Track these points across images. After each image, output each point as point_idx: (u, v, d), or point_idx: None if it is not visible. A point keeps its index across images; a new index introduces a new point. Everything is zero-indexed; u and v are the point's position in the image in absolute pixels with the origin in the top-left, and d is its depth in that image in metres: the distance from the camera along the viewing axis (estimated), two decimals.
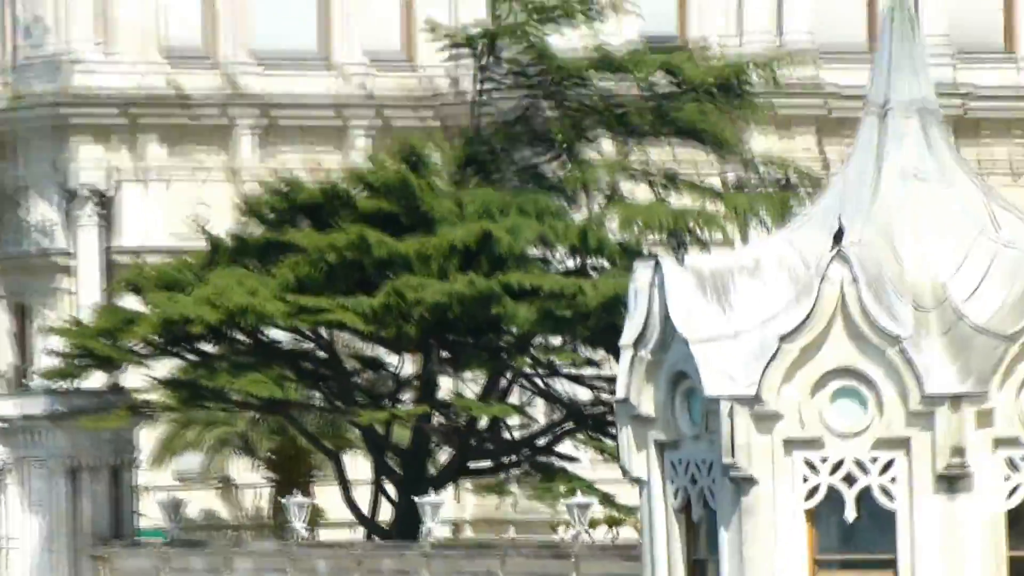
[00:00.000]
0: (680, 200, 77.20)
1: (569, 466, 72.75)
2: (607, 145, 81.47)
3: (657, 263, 57.53)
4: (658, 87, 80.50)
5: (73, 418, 74.70)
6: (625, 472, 59.39)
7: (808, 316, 54.71)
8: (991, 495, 55.39)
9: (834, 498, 55.74)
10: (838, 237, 55.97)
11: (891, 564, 56.61)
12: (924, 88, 59.42)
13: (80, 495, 76.93)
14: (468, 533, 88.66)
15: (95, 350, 77.70)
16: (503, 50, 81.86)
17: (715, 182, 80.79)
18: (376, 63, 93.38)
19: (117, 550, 73.85)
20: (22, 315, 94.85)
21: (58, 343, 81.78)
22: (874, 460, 55.95)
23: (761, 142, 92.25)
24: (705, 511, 55.88)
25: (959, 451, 55.45)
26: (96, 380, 78.04)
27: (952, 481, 56.33)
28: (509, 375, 76.05)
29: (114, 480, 76.89)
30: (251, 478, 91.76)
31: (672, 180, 79.49)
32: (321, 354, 79.13)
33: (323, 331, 77.87)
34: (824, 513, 56.86)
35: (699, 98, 78.79)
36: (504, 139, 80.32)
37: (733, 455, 54.55)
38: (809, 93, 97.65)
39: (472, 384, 79.68)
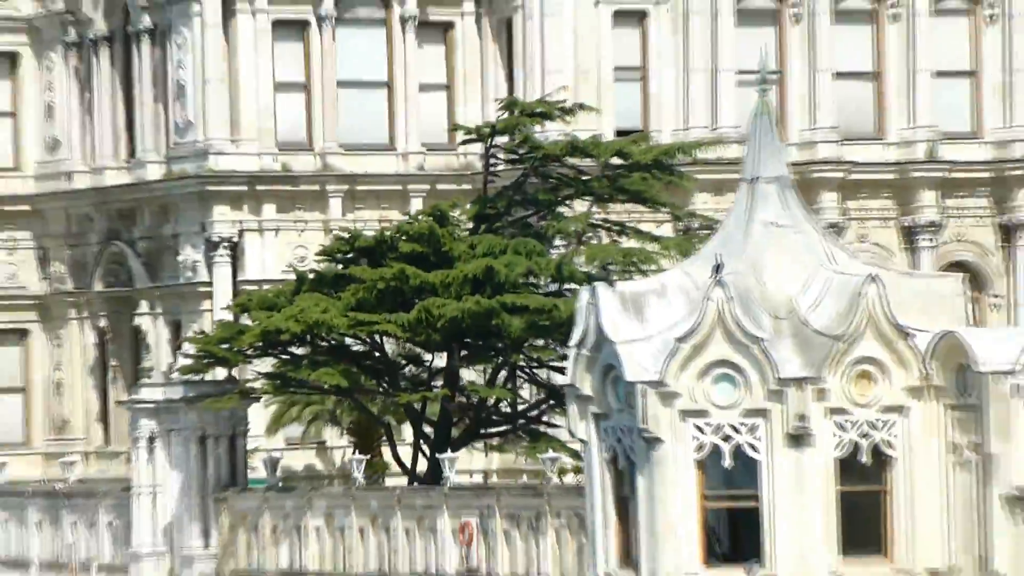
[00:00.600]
0: (629, 242, 78.12)
1: (550, 431, 73.30)
2: (578, 205, 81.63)
3: (593, 288, 60.15)
4: (613, 164, 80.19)
5: (201, 401, 75.74)
6: (572, 435, 61.77)
7: (697, 325, 56.64)
8: (825, 448, 56.80)
9: (716, 452, 57.77)
10: (718, 269, 58.14)
11: (756, 497, 58.54)
12: (781, 166, 60.74)
13: (207, 456, 77.48)
14: (494, 479, 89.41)
15: (216, 353, 79.57)
16: (504, 140, 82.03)
17: (664, 230, 79.57)
18: (427, 148, 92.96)
19: (232, 494, 74.61)
20: (176, 330, 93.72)
21: (191, 348, 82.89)
22: (743, 424, 57.77)
23: (703, 198, 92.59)
24: (627, 463, 57.71)
25: (802, 417, 56.57)
26: (218, 374, 78.58)
27: (798, 439, 56.65)
28: (507, 368, 76.97)
29: (231, 445, 77.74)
30: (338, 442, 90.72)
31: (622, 229, 79.97)
32: (376, 354, 79.03)
33: (376, 337, 77.97)
34: (709, 463, 58.47)
35: (643, 172, 78.96)
36: (505, 202, 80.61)
37: (646, 423, 56.85)
38: (735, 166, 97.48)
39: (481, 374, 79.11)
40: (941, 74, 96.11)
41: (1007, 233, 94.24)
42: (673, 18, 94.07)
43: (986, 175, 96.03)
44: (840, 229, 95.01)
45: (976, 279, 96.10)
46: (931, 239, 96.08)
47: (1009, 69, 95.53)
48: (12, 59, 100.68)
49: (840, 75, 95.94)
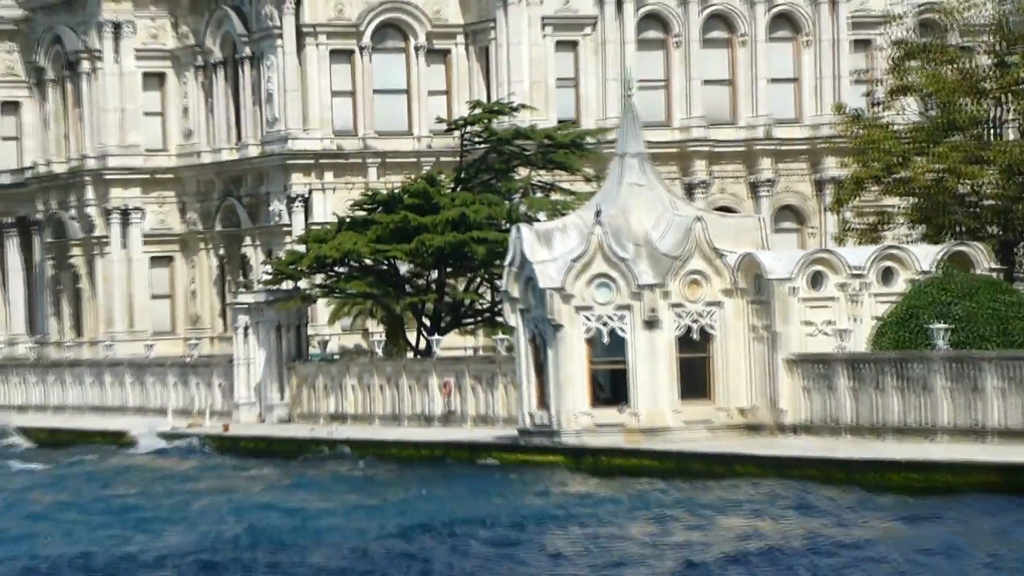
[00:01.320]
0: (556, 196, 78.02)
1: (500, 320, 72.03)
2: (522, 172, 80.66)
3: (518, 227, 63.91)
4: (545, 144, 79.61)
5: (276, 303, 77.25)
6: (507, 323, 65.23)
7: (585, 250, 60.56)
8: (668, 330, 60.33)
9: (598, 333, 60.62)
10: (598, 214, 59.89)
11: (624, 362, 61.32)
12: (640, 146, 63.31)
13: (281, 339, 78.11)
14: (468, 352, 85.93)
15: (285, 271, 79.63)
16: (474, 128, 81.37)
17: (580, 186, 78.64)
18: (433, 133, 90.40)
19: (298, 364, 76.79)
20: (269, 256, 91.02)
21: (270, 268, 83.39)
22: (616, 314, 61.15)
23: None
24: (541, 341, 61.52)
25: (653, 310, 60.15)
26: (286, 285, 78.61)
27: (651, 324, 60.57)
28: (477, 279, 76.87)
29: (297, 332, 78.99)
30: (376, 329, 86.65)
31: (552, 187, 79.50)
32: (391, 272, 77.95)
33: (390, 261, 76.92)
34: (594, 340, 60.96)
35: (565, 149, 78.97)
36: (474, 169, 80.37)
37: (552, 314, 60.69)
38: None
39: (459, 284, 78.77)
40: (774, 80, 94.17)
41: (819, 186, 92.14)
42: (595, 45, 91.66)
43: (805, 147, 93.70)
44: (707, 184, 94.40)
45: (799, 217, 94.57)
46: (768, 191, 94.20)
47: (819, 76, 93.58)
48: (161, 77, 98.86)
49: (707, 82, 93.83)
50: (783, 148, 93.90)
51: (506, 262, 63.39)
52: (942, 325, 54.88)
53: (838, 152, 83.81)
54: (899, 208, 73.01)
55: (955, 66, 71.09)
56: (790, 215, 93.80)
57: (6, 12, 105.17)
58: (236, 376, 79.55)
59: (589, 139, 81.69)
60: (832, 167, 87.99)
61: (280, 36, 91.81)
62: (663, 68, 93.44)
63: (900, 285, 60.05)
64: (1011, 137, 69.59)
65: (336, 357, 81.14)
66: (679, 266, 60.18)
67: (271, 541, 45.81)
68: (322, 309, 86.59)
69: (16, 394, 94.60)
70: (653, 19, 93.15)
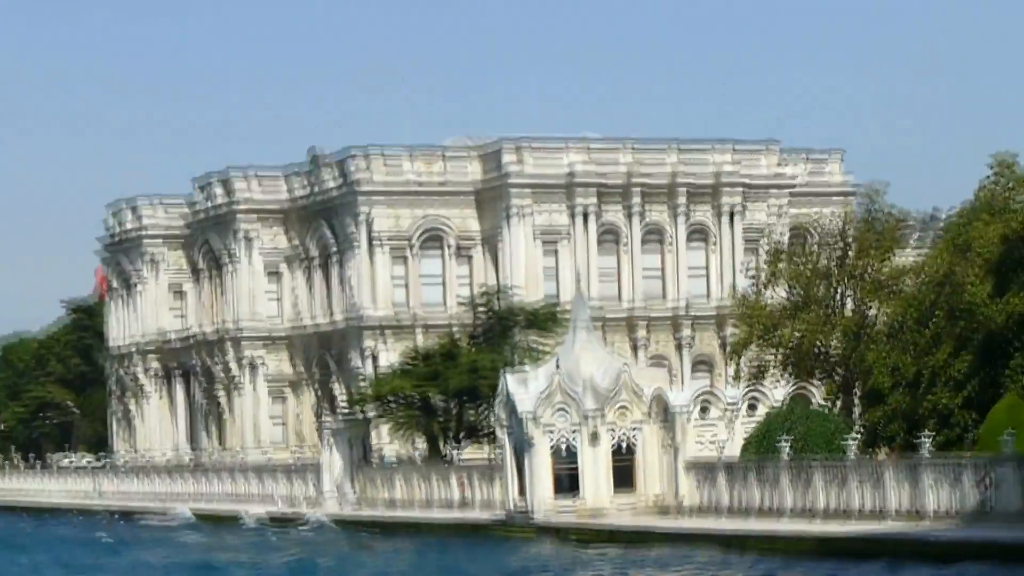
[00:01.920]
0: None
1: None
2: (517, 335, 77.25)
3: (504, 373, 61.56)
4: (529, 316, 77.42)
5: (350, 425, 76.95)
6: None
7: (548, 387, 58.48)
8: (606, 443, 58.55)
9: (558, 447, 58.80)
10: (557, 363, 59.28)
11: (576, 465, 58.92)
12: (587, 320, 61.76)
13: (353, 449, 75.99)
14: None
15: (356, 403, 78.98)
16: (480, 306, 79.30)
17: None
18: (462, 307, 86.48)
19: (364, 467, 75.37)
20: (348, 392, 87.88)
21: (346, 402, 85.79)
22: (571, 433, 58.86)
23: None
24: (519, 450, 59.46)
25: (595, 431, 58.35)
26: (359, 414, 78.44)
27: (594, 438, 58.47)
28: (484, 408, 71.29)
29: (363, 444, 76.81)
30: (420, 443, 79.34)
31: (534, 347, 75.60)
32: (427, 403, 74.78)
33: (428, 395, 74.24)
34: (556, 450, 58.35)
35: (543, 320, 76.75)
36: (483, 333, 78.11)
37: (527, 432, 58.60)
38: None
39: (474, 410, 74.33)
40: (691, 273, 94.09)
41: (723, 343, 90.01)
42: (569, 248, 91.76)
43: (712, 317, 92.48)
44: (647, 343, 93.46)
45: (709, 364, 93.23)
46: (688, 346, 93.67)
47: (721, 270, 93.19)
48: (277, 271, 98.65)
49: (645, 273, 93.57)
50: (697, 318, 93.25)
51: (497, 397, 61.89)
52: (787, 439, 54.04)
53: (734, 321, 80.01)
54: (774, 359, 70.01)
55: (810, 262, 70.05)
56: (703, 363, 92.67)
57: (177, 228, 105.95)
58: (324, 475, 77.54)
59: (558, 312, 79.10)
60: (730, 331, 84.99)
61: (357, 243, 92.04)
62: (615, 263, 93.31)
63: (761, 413, 59.47)
64: (848, 309, 68.16)
65: (394, 463, 78.61)
66: (612, 399, 58.91)
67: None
68: (384, 429, 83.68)
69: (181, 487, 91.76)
70: (608, 231, 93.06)
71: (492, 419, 75.41)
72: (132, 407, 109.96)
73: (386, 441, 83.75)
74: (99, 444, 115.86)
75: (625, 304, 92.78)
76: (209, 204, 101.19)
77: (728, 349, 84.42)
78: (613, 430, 59.11)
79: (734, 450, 58.38)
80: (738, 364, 75.50)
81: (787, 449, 53.66)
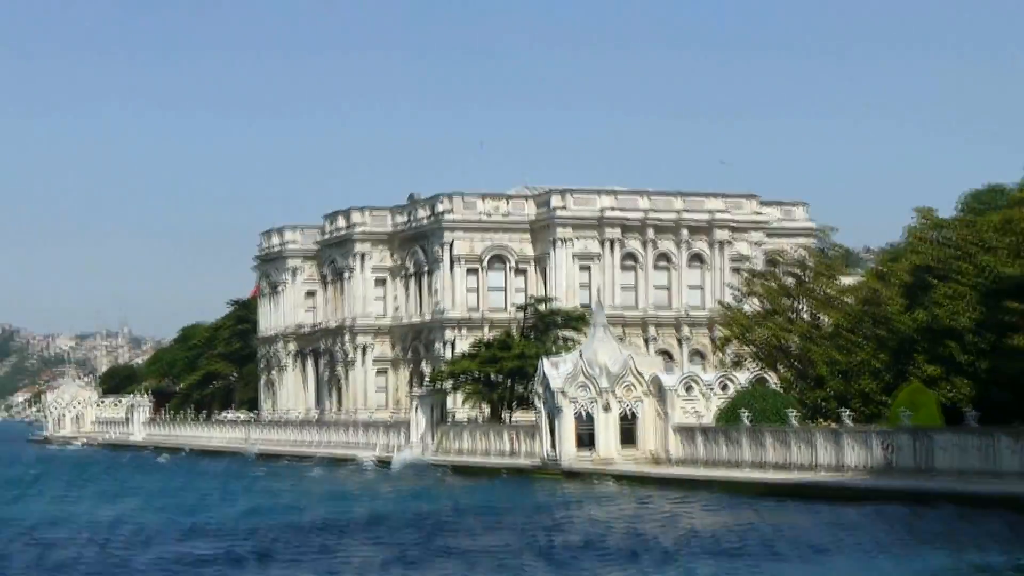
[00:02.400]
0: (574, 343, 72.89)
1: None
2: (555, 332, 76.55)
3: (542, 359, 60.93)
4: (564, 317, 77.39)
5: (432, 394, 75.80)
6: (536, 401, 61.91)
7: (574, 369, 56.59)
8: (615, 412, 59.06)
9: (580, 414, 58.22)
10: (580, 353, 58.77)
11: (592, 428, 58.15)
12: (603, 320, 60.85)
13: (433, 411, 74.71)
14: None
15: (436, 379, 78.52)
16: (528, 309, 79.10)
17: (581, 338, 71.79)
18: (517, 309, 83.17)
19: (441, 425, 73.48)
20: (433, 372, 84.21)
21: (428, 379, 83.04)
22: (590, 404, 58.48)
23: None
24: (552, 416, 59.00)
25: (607, 403, 58.75)
26: (438, 386, 78.00)
27: (606, 408, 58.82)
28: (529, 384, 67.78)
29: (442, 408, 76.06)
30: (485, 409, 79.04)
31: (570, 340, 74.47)
32: (490, 378, 74.58)
33: (489, 374, 73.96)
34: (578, 416, 58.33)
35: (575, 321, 76.23)
36: (530, 330, 77.55)
37: (557, 403, 57.93)
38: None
39: (523, 385, 72.41)
40: (690, 288, 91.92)
41: (712, 341, 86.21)
42: (600, 268, 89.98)
43: (705, 321, 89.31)
44: (656, 339, 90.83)
45: (702, 356, 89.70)
46: (687, 342, 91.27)
47: (713, 286, 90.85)
48: (383, 280, 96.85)
49: (656, 287, 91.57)
50: (694, 321, 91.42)
51: (536, 376, 62.15)
52: (747, 413, 54.76)
53: (719, 324, 79.37)
54: (749, 352, 69.15)
55: (777, 282, 69.77)
56: (698, 354, 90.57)
57: (311, 249, 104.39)
58: (412, 430, 77.36)
59: (586, 315, 77.29)
60: (717, 331, 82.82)
61: (442, 262, 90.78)
62: (634, 280, 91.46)
63: (731, 392, 59.43)
64: (805, 317, 67.24)
65: (463, 423, 77.18)
66: (619, 379, 59.21)
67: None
68: (457, 397, 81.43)
69: (308, 436, 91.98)
70: (629, 256, 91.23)
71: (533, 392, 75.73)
72: (275, 378, 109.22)
73: (458, 407, 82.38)
74: (251, 404, 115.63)
75: (640, 310, 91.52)
76: (334, 231, 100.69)
77: (715, 344, 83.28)
78: (621, 402, 59.54)
79: (709, 418, 58.68)
80: (722, 355, 75.75)
81: (746, 419, 54.52)
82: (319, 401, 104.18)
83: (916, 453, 45.86)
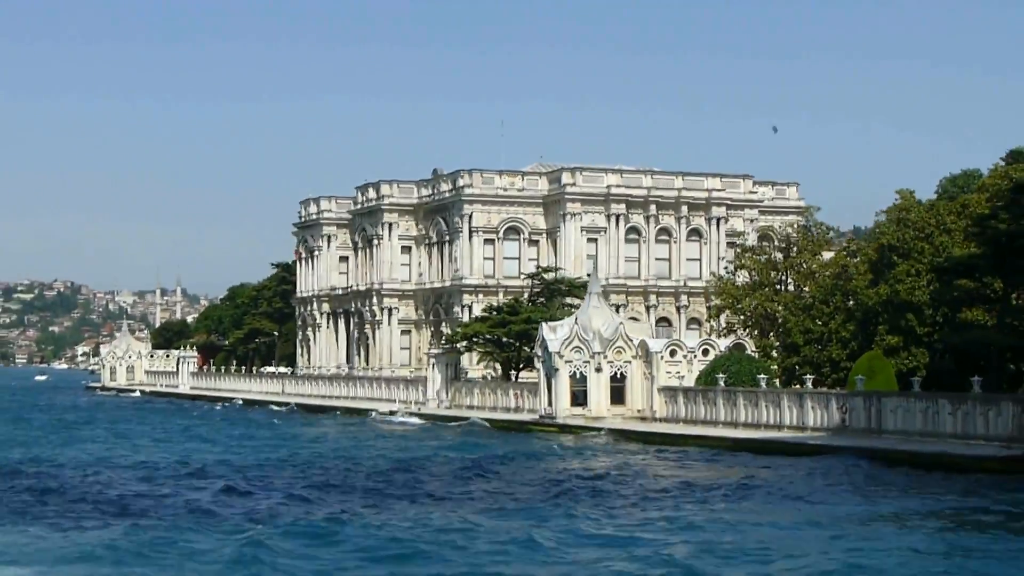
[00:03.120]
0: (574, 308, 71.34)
1: None
2: (559, 299, 76.59)
3: (541, 324, 61.93)
4: (567, 285, 77.34)
5: (446, 353, 75.88)
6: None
7: (569, 334, 57.46)
8: (607, 373, 59.62)
9: (574, 373, 58.63)
10: (576, 319, 59.21)
11: (585, 387, 58.55)
12: (598, 288, 60.94)
13: (447, 369, 75.02)
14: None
15: (452, 340, 78.16)
16: (536, 278, 79.88)
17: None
18: (526, 279, 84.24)
19: (455, 382, 74.16)
20: (451, 332, 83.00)
21: (445, 339, 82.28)
22: (584, 365, 58.84)
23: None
24: (549, 375, 59.78)
25: (599, 364, 59.39)
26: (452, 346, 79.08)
27: (598, 370, 59.56)
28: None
29: (456, 367, 75.97)
30: (496, 367, 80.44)
31: (573, 305, 73.39)
32: (500, 340, 74.92)
33: (499, 336, 73.93)
34: (573, 376, 58.45)
35: (577, 288, 75.61)
36: (537, 296, 78.16)
37: (554, 364, 58.48)
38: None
39: (527, 347, 71.06)
40: (688, 260, 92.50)
41: (708, 309, 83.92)
42: (605, 242, 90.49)
43: (701, 291, 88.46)
44: (656, 307, 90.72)
45: (698, 322, 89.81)
46: (684, 309, 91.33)
47: (709, 259, 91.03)
48: (408, 248, 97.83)
49: (657, 259, 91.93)
50: (692, 291, 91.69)
51: (536, 339, 62.95)
52: (723, 376, 55.83)
53: (715, 293, 78.47)
54: (739, 320, 69.80)
55: (765, 256, 70.45)
56: (694, 321, 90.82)
57: (344, 218, 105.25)
58: (429, 386, 78.33)
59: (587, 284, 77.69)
60: (713, 300, 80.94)
61: (461, 232, 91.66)
62: (637, 252, 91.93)
63: (711, 357, 60.32)
64: (791, 288, 67.87)
65: (473, 380, 78.07)
66: (611, 344, 60.02)
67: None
68: (473, 357, 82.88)
69: (337, 390, 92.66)
70: (632, 230, 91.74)
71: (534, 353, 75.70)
72: (310, 336, 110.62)
73: (474, 366, 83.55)
74: (291, 360, 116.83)
75: (643, 280, 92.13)
76: (365, 202, 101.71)
77: (710, 312, 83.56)
78: (612, 364, 60.52)
79: (691, 381, 59.75)
80: (715, 323, 77.33)
81: (722, 381, 55.75)
82: (349, 358, 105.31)
83: (868, 415, 47.49)
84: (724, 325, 73.22)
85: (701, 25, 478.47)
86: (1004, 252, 44.91)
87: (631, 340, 61.43)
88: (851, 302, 59.99)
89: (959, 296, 50.30)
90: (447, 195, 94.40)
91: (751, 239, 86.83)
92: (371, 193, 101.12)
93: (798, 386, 55.86)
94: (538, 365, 63.61)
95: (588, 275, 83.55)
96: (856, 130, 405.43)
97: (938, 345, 54.16)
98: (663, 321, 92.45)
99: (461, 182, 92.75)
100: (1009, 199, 46.34)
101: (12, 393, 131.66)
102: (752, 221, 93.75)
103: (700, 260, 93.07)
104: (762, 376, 54.66)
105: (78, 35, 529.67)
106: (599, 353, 60.70)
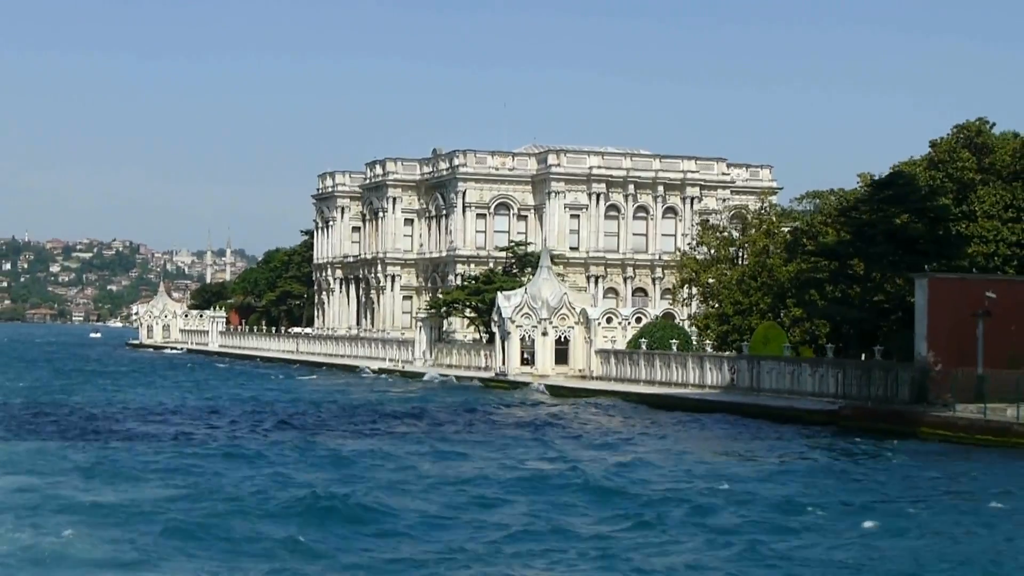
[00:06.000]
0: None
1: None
2: (528, 270, 77.94)
3: (497, 293, 68.19)
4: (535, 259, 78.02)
5: (431, 316, 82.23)
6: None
7: (520, 302, 62.14)
8: (551, 336, 65.15)
9: (524, 337, 64.27)
10: (525, 289, 64.38)
11: (533, 349, 62.45)
12: (548, 262, 66.39)
13: (432, 330, 77.84)
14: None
15: (435, 305, 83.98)
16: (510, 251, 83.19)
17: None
18: (507, 251, 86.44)
19: (437, 343, 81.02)
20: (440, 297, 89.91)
21: (430, 303, 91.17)
22: (533, 329, 64.07)
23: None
24: (503, 338, 63.28)
25: (544, 329, 66.18)
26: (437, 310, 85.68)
27: (544, 334, 64.91)
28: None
29: (439, 329, 78.68)
30: (477, 330, 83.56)
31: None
32: (477, 308, 78.56)
33: (475, 303, 77.64)
34: (523, 339, 62.40)
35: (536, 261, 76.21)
36: (512, 267, 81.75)
37: (506, 328, 64.29)
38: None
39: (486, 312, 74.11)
40: (663, 235, 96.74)
41: (680, 280, 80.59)
42: (587, 218, 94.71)
43: (674, 264, 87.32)
44: (633, 278, 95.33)
45: (672, 292, 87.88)
46: (658, 281, 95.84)
47: (681, 235, 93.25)
48: (411, 220, 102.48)
49: (634, 234, 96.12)
50: (666, 264, 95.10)
51: (495, 306, 67.67)
52: (644, 340, 61.73)
53: (685, 266, 79.85)
54: (699, 291, 72.94)
55: (722, 234, 73.99)
56: (668, 291, 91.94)
57: (355, 191, 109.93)
58: (415, 346, 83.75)
59: (556, 258, 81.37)
60: (683, 273, 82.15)
61: (456, 207, 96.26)
62: (616, 228, 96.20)
63: (643, 324, 66.15)
64: (744, 261, 70.22)
65: (452, 342, 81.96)
66: (556, 311, 65.65)
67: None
68: (459, 322, 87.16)
69: (343, 349, 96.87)
70: (612, 207, 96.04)
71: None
72: (325, 299, 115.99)
73: (464, 329, 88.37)
74: (311, 321, 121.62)
75: (621, 254, 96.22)
76: (374, 177, 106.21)
77: (674, 285, 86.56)
78: (557, 329, 66.25)
79: (623, 344, 65.47)
80: (679, 294, 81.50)
81: (644, 345, 62.28)
82: (358, 320, 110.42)
83: (751, 375, 54.29)
84: (685, 295, 78.18)
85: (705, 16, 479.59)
86: (862, 237, 51.14)
87: (574, 308, 67.47)
88: (769, 279, 66.00)
89: (823, 276, 56.21)
90: (444, 173, 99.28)
91: (724, 217, 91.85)
92: (378, 169, 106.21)
93: (731, 350, 61.66)
94: (495, 329, 69.64)
95: (571, 248, 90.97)
96: (838, 115, 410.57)
97: (837, 317, 60.08)
98: (639, 292, 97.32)
99: (457, 161, 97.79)
100: (870, 194, 52.74)
101: (60, 347, 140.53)
102: (724, 200, 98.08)
103: (675, 236, 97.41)
104: (673, 341, 61.14)
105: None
106: (545, 319, 66.61)
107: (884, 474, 31.74)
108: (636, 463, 32.90)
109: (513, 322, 67.40)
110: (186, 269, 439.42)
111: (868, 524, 23.80)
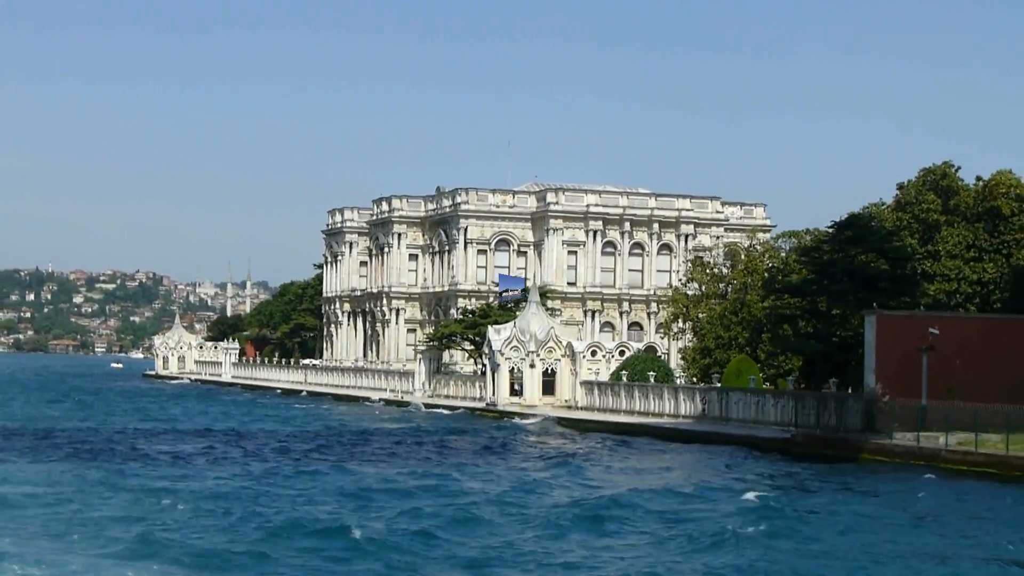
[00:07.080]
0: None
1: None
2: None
3: (488, 327, 70.67)
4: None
5: (429, 349, 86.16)
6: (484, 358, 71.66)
7: (509, 336, 64.44)
8: (539, 369, 66.58)
9: (512, 369, 66.27)
10: (515, 324, 67.39)
11: (522, 380, 65.56)
12: (536, 297, 68.01)
13: (431, 362, 79.91)
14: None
15: (434, 337, 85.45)
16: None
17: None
18: (504, 291, 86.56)
19: (436, 374, 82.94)
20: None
21: (431, 336, 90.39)
22: (521, 361, 67.34)
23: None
24: (492, 369, 65.83)
25: (533, 361, 67.61)
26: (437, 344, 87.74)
27: (532, 366, 67.23)
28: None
29: (438, 360, 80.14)
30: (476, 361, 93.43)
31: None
32: (473, 340, 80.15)
33: (471, 336, 79.64)
34: (512, 370, 64.72)
35: (542, 295, 77.60)
36: (507, 303, 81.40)
37: (496, 360, 66.59)
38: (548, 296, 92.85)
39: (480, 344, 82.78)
40: (658, 271, 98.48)
41: (672, 314, 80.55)
42: (584, 253, 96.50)
43: (667, 299, 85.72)
44: (629, 312, 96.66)
45: (667, 327, 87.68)
46: (654, 316, 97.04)
47: (676, 272, 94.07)
48: (415, 255, 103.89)
49: (630, 270, 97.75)
50: (661, 299, 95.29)
51: (485, 339, 70.20)
52: (625, 372, 64.06)
53: (676, 301, 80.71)
54: (689, 326, 75.41)
55: (711, 271, 76.47)
56: (662, 326, 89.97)
57: (363, 227, 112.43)
58: (415, 377, 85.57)
59: (550, 294, 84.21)
60: (675, 307, 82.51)
61: (458, 243, 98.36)
62: (613, 264, 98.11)
63: (626, 357, 68.24)
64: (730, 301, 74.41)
65: (450, 373, 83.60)
66: (544, 344, 67.91)
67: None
68: (460, 354, 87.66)
69: (348, 380, 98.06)
70: (609, 244, 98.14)
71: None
72: (333, 332, 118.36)
73: (456, 361, 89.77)
74: (322, 353, 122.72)
75: (617, 289, 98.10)
76: (380, 213, 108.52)
77: (667, 319, 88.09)
78: (544, 361, 68.66)
79: (606, 376, 67.81)
80: (671, 328, 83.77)
81: (625, 377, 64.85)
82: (365, 353, 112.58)
83: (720, 406, 56.87)
84: (676, 330, 79.89)
85: (716, 31, 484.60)
86: (825, 276, 53.81)
87: (560, 341, 70.19)
88: (748, 315, 68.62)
89: (794, 313, 58.82)
90: (447, 210, 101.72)
91: (717, 254, 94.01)
92: (384, 206, 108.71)
93: (706, 383, 64.19)
94: (485, 361, 72.29)
95: (569, 283, 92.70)
96: (833, 151, 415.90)
97: (809, 350, 62.53)
98: (635, 326, 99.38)
99: (459, 199, 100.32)
100: (832, 235, 55.43)
101: (77, 377, 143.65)
102: (718, 238, 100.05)
103: (669, 272, 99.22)
104: (651, 373, 63.76)
105: (151, 25, 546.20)
106: (533, 352, 68.99)
107: (788, 493, 34.19)
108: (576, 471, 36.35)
109: (503, 354, 69.76)
110: (209, 301, 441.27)
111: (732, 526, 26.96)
